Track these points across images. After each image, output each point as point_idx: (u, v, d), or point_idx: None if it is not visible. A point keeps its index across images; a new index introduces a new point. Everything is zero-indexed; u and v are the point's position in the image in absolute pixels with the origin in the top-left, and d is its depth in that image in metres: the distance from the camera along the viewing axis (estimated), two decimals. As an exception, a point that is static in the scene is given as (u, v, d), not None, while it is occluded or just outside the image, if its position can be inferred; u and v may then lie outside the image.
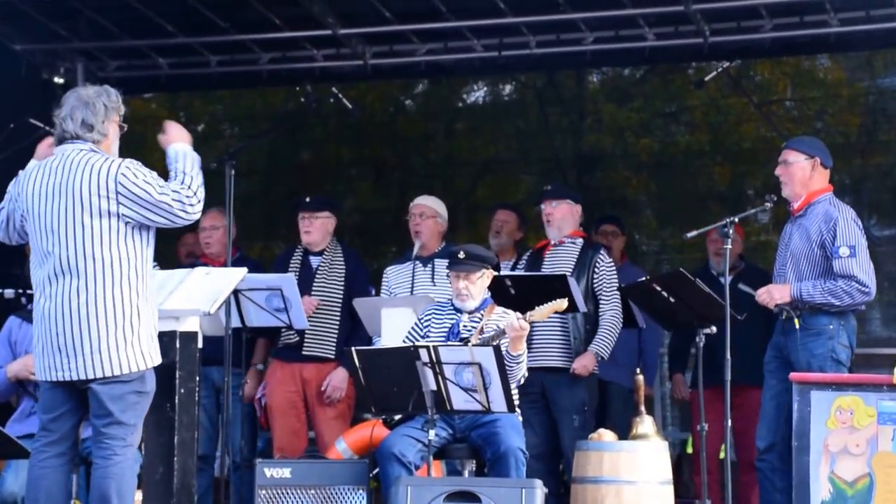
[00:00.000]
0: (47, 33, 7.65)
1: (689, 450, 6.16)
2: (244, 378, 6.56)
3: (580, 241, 6.45)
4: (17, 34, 7.68)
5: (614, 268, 6.40)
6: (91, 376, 4.42)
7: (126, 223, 4.45)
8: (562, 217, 6.41)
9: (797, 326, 5.52)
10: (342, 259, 6.65)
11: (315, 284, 6.55)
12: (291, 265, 6.63)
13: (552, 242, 6.46)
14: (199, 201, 4.50)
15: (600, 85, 10.49)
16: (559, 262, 6.37)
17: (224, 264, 6.22)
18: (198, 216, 4.57)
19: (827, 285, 5.52)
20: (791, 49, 7.72)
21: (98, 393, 4.44)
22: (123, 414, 4.45)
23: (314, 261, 6.64)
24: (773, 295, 5.58)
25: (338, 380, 6.50)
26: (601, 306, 6.30)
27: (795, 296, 5.54)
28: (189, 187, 4.49)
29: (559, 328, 6.28)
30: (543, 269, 6.37)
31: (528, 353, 6.23)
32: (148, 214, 4.46)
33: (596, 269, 6.32)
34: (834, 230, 5.55)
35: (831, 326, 5.54)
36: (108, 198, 4.43)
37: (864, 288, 5.52)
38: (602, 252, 6.42)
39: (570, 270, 6.29)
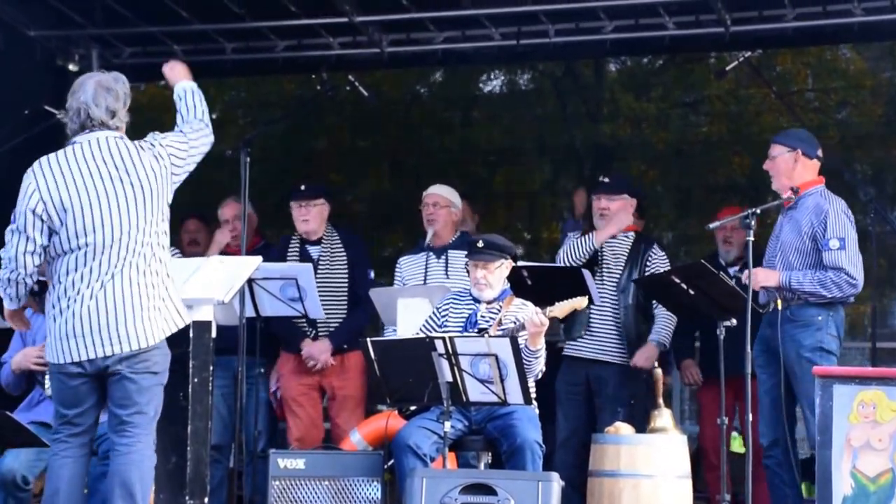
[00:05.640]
0: (62, 19, 7.61)
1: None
2: (259, 368, 6.52)
3: (632, 234, 6.38)
4: (32, 20, 7.64)
5: (667, 262, 6.32)
6: (143, 346, 4.42)
7: (173, 184, 4.57)
8: (618, 210, 6.32)
9: (786, 315, 5.53)
10: (341, 246, 6.59)
11: (319, 275, 6.46)
12: (290, 256, 6.56)
13: None
14: (209, 125, 4.78)
15: (618, 74, 10.45)
16: (612, 256, 6.30)
17: (252, 251, 6.21)
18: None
19: (817, 275, 5.55)
20: (814, 39, 7.64)
21: (127, 385, 4.44)
22: (148, 405, 4.48)
23: (313, 251, 6.56)
24: (758, 277, 5.55)
25: (316, 350, 6.43)
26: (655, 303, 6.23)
27: (784, 283, 5.56)
28: (203, 119, 4.75)
29: (613, 323, 6.23)
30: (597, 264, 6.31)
31: (581, 344, 6.25)
32: (194, 156, 4.63)
33: (648, 264, 6.27)
34: (825, 222, 5.58)
35: (820, 318, 5.56)
36: (163, 172, 4.51)
37: (852, 280, 5.55)
38: (655, 247, 6.36)
39: (623, 265, 6.25)
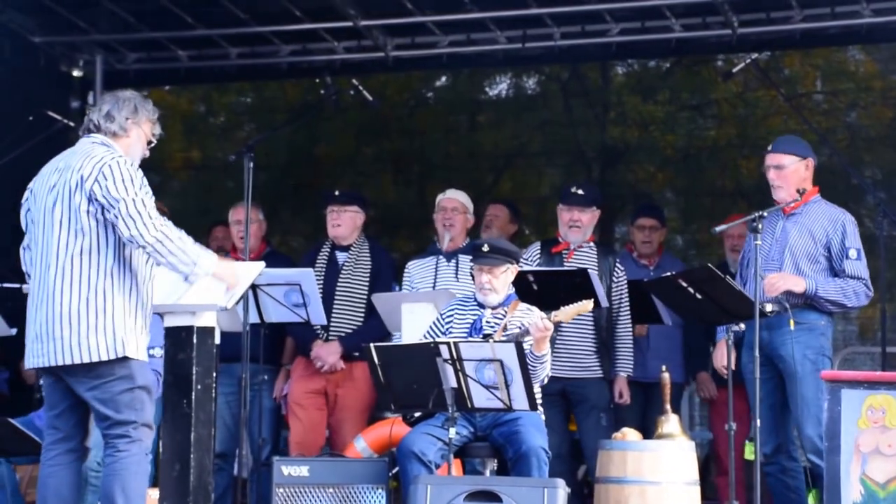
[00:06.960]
0: (66, 25, 7.60)
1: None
2: (263, 375, 6.49)
3: (592, 244, 6.40)
4: (36, 26, 7.63)
5: (626, 279, 6.36)
6: (67, 362, 4.37)
7: (94, 209, 4.35)
8: (589, 222, 6.33)
9: (791, 325, 5.48)
10: (368, 256, 6.57)
11: (340, 280, 6.47)
12: (319, 260, 6.55)
13: (572, 247, 6.34)
14: (158, 239, 4.31)
15: (625, 77, 10.40)
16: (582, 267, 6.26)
17: (258, 257, 6.16)
18: (142, 242, 4.33)
19: (839, 284, 5.56)
20: (822, 40, 7.61)
21: (90, 400, 4.45)
22: (120, 413, 4.44)
23: (341, 256, 6.56)
24: (788, 282, 5.52)
25: (325, 351, 6.40)
26: (619, 319, 6.30)
27: (810, 290, 5.54)
28: (162, 230, 4.34)
29: (590, 338, 6.21)
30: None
31: (557, 362, 6.19)
32: (108, 210, 4.32)
33: (614, 278, 6.31)
34: (843, 232, 5.60)
35: (822, 323, 5.59)
36: (84, 185, 4.34)
37: (869, 291, 5.61)
38: (618, 260, 6.43)
39: (598, 277, 6.19)
